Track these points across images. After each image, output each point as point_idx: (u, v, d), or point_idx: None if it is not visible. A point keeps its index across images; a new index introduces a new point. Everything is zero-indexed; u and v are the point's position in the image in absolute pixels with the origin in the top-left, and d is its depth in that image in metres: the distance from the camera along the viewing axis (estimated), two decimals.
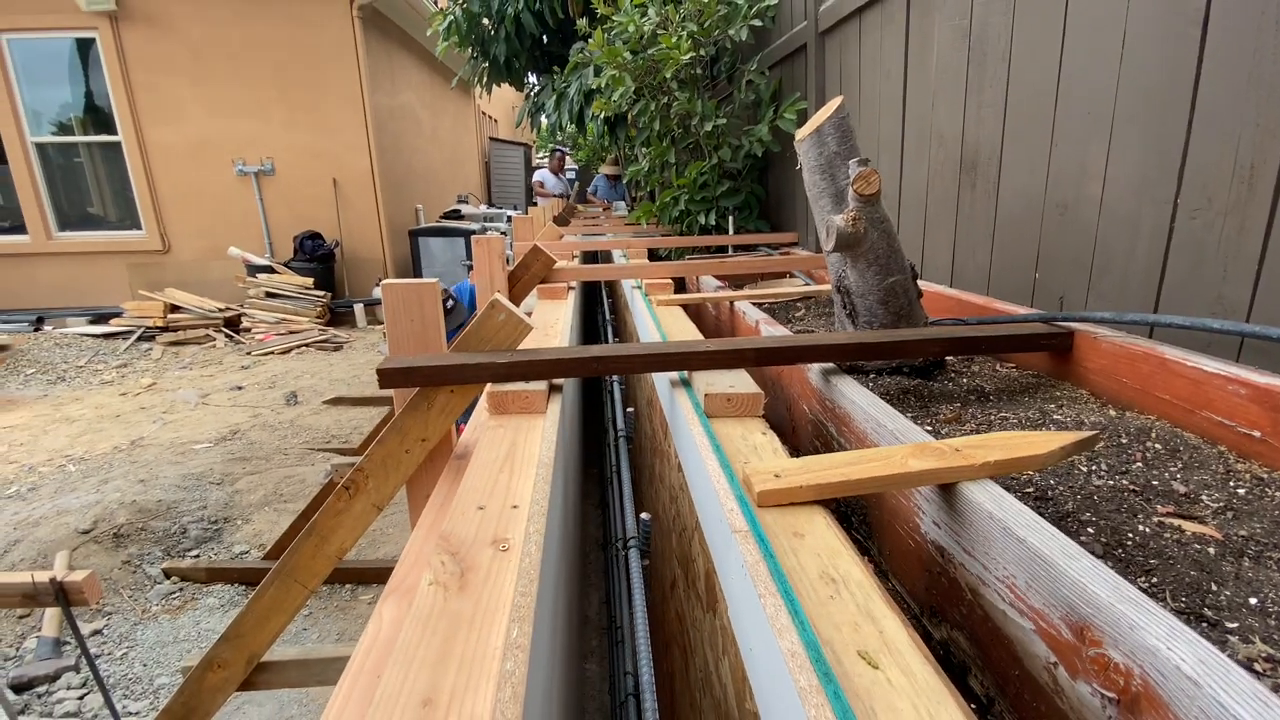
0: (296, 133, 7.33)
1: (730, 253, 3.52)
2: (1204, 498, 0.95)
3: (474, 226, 8.52)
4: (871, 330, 1.51)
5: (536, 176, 9.81)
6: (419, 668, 0.58)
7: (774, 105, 3.28)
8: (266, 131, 7.29)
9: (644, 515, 1.07)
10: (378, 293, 7.54)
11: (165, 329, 6.86)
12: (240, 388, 5.25)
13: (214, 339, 6.83)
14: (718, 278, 2.62)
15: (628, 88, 3.20)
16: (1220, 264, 1.18)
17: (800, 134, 1.57)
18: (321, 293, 7.26)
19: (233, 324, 7.08)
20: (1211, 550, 0.82)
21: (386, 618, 0.82)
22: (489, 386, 1.23)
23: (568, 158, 10.68)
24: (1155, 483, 1.00)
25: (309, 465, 3.67)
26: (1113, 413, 1.26)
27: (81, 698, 2.10)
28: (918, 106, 2.14)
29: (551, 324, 2.02)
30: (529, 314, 2.24)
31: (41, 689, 2.13)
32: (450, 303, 3.78)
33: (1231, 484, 0.98)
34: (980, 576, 0.82)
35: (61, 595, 1.68)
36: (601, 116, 3.93)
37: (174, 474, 3.34)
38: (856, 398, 1.21)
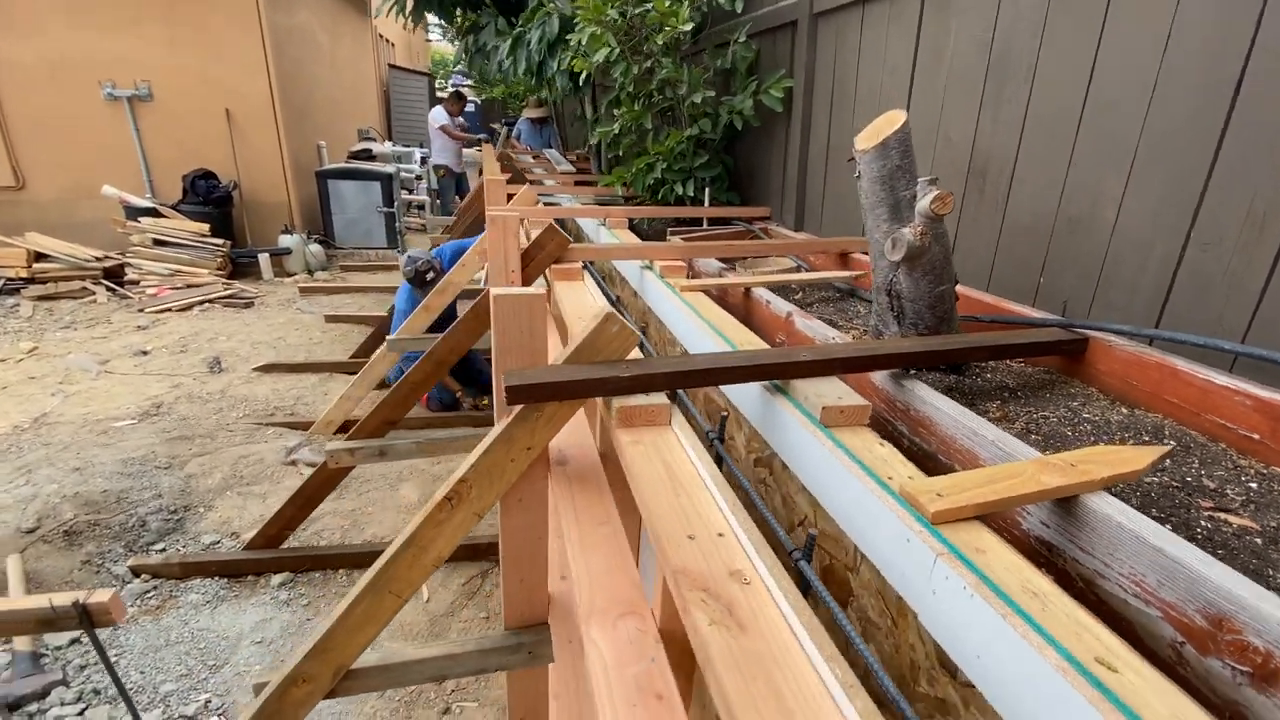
0: (180, 53, 6.36)
1: (705, 225, 3.58)
2: (1229, 492, 1.19)
3: (388, 168, 7.91)
4: (920, 335, 1.67)
5: (433, 116, 9.04)
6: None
7: (751, 77, 3.31)
8: (142, 50, 6.27)
9: (812, 530, 1.17)
10: (284, 241, 6.92)
11: (31, 280, 5.91)
12: (145, 352, 4.71)
13: (93, 293, 5.99)
14: (719, 258, 2.69)
15: (611, 49, 3.10)
16: (1224, 292, 1.42)
17: (862, 144, 1.65)
18: (220, 241, 6.52)
19: (114, 275, 6.23)
20: (1259, 540, 1.05)
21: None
22: (616, 401, 1.25)
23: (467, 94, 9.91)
24: (1189, 479, 1.22)
25: (262, 442, 3.43)
26: (1125, 411, 1.50)
27: (81, 713, 1.95)
28: (924, 107, 2.27)
29: (584, 313, 2.02)
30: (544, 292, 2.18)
31: (32, 708, 1.95)
32: (431, 274, 3.59)
33: (1243, 479, 1.22)
34: (1099, 571, 1.00)
35: (86, 618, 1.55)
36: (567, 71, 3.77)
37: (110, 458, 3.01)
38: (939, 404, 1.35)
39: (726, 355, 1.38)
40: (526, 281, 2.35)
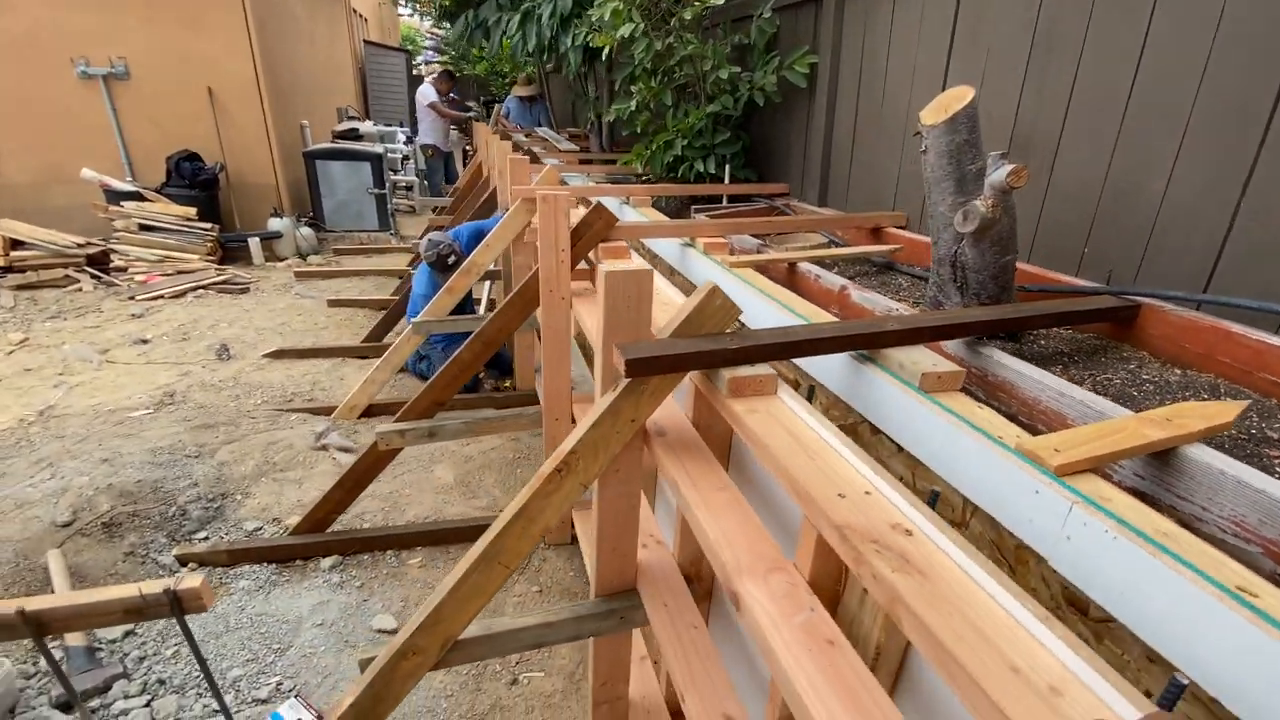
0: (157, 29, 6.10)
1: (724, 202, 3.61)
2: None
3: (376, 148, 7.73)
4: (982, 305, 1.74)
5: (421, 94, 8.89)
6: (981, 651, 0.72)
7: (771, 53, 3.32)
8: (117, 25, 6.00)
9: (935, 488, 1.23)
10: (274, 224, 6.77)
11: (8, 269, 5.69)
12: (146, 341, 4.59)
13: (77, 281, 5.79)
14: (753, 235, 2.73)
15: (636, 25, 3.08)
16: (1275, 260, 1.51)
17: (929, 119, 1.70)
18: (208, 225, 6.34)
19: (98, 262, 6.02)
20: None
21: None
22: (726, 372, 1.29)
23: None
24: (1253, 431, 1.32)
25: (288, 428, 3.40)
26: (1179, 372, 1.59)
27: (149, 704, 1.96)
28: (962, 82, 2.32)
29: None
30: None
31: (95, 703, 1.95)
32: (453, 258, 3.56)
33: None
34: (1196, 515, 1.09)
35: (177, 605, 1.56)
36: (582, 47, 3.73)
37: (136, 449, 2.96)
38: (1022, 368, 1.43)
39: (821, 327, 1.43)
40: (575, 261, 2.37)
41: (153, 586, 1.55)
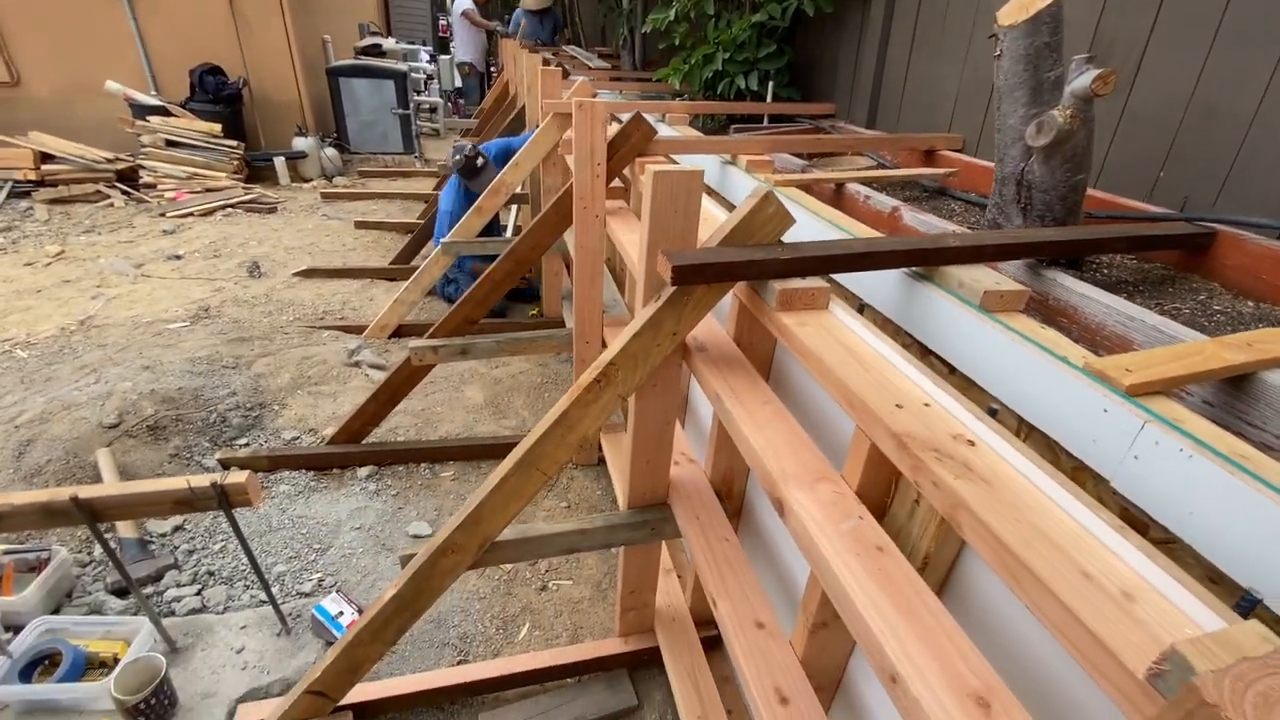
0: None
1: (765, 123, 3.44)
2: None
3: (400, 66, 7.49)
4: (1048, 226, 1.64)
5: (457, 4, 8.55)
6: (1051, 556, 0.70)
7: None
8: None
9: (993, 405, 1.19)
10: (299, 143, 6.67)
11: (41, 184, 5.71)
12: (179, 256, 4.63)
13: (108, 196, 5.80)
14: (796, 155, 2.60)
15: None
16: None
17: (1007, 19, 1.56)
18: (233, 142, 6.26)
19: (127, 178, 6.01)
20: None
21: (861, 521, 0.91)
22: (777, 284, 1.24)
23: None
24: None
25: (320, 345, 3.44)
26: (1251, 304, 1.50)
27: (199, 592, 2.06)
28: None
29: None
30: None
31: (147, 590, 2.06)
32: (480, 160, 3.47)
33: None
34: (1269, 444, 1.03)
35: (224, 498, 1.61)
36: None
37: (175, 358, 3.03)
38: (1088, 292, 1.35)
39: (877, 240, 1.36)
40: (611, 175, 2.28)
41: (200, 480, 1.59)
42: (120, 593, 2.06)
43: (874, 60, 2.94)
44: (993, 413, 1.14)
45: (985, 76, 2.45)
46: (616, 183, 2.66)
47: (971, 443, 0.88)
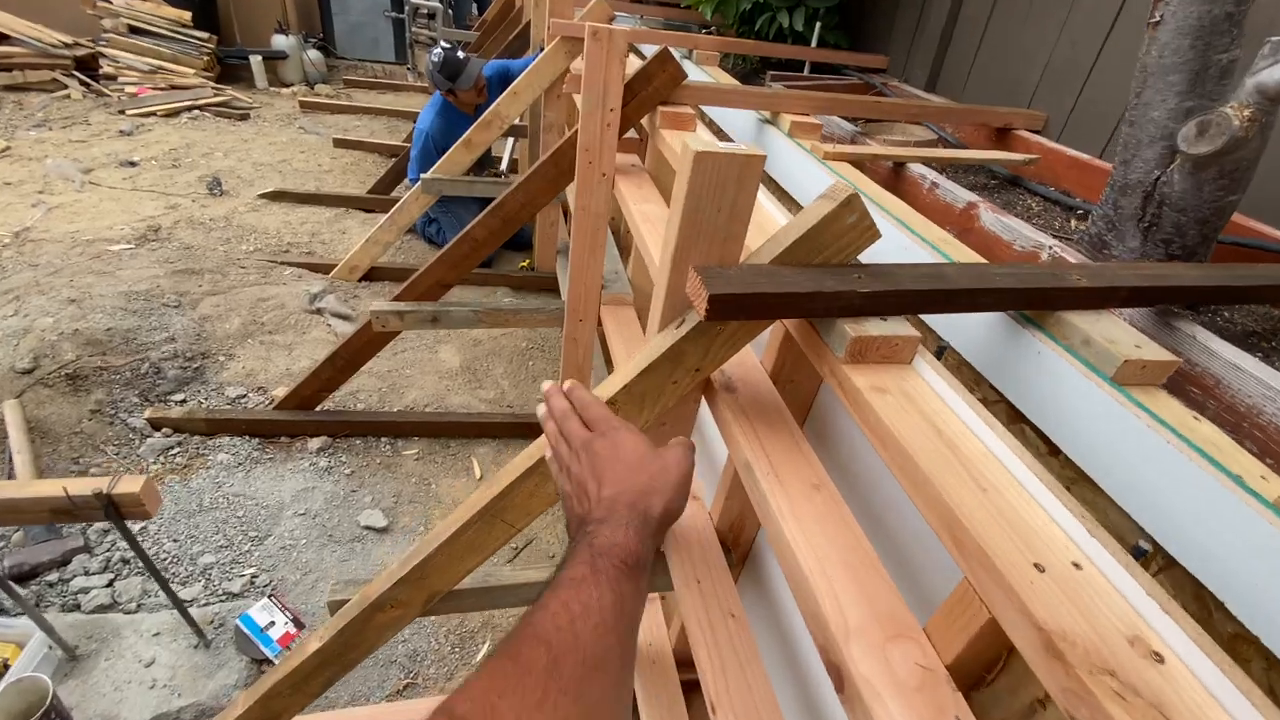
0: None
1: (806, 71, 2.97)
2: None
3: None
4: (1171, 259, 1.29)
5: None
6: None
7: None
8: None
9: (1142, 543, 0.87)
10: (279, 42, 6.01)
11: None
12: (134, 163, 4.14)
13: (65, 86, 5.20)
14: (844, 117, 2.18)
15: None
16: None
17: None
18: (204, 34, 5.60)
19: (87, 67, 5.39)
20: None
21: None
22: (850, 327, 0.89)
23: None
24: None
25: (280, 284, 3.05)
26: None
27: (110, 584, 1.77)
28: None
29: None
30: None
31: (52, 577, 1.76)
32: (461, 53, 3.00)
33: None
34: None
35: (112, 510, 1.29)
36: None
37: (109, 290, 2.64)
38: (1237, 359, 1.02)
39: (985, 271, 1.00)
40: (626, 125, 1.87)
41: (81, 486, 1.27)
42: (22, 578, 1.77)
43: (945, 12, 2.48)
44: (1140, 554, 0.82)
45: (1086, 49, 2.02)
46: (630, 133, 2.24)
47: (1160, 657, 0.57)
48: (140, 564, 1.83)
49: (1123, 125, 1.36)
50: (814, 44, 2.90)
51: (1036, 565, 0.63)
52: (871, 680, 0.68)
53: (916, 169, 1.81)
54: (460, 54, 3.11)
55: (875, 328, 0.90)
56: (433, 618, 1.88)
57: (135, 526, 1.93)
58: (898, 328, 0.91)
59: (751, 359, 1.16)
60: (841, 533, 0.85)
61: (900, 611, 0.76)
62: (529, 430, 2.53)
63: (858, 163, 1.80)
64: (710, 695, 1.10)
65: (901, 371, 0.90)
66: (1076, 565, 0.64)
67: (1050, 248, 1.39)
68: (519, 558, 2.13)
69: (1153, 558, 0.87)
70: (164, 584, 1.49)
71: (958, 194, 1.64)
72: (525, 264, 3.64)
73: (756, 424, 1.01)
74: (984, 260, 1.23)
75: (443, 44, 3.09)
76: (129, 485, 1.28)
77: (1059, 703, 0.56)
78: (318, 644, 1.25)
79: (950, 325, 1.15)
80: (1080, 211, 1.85)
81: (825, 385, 1.23)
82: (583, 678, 0.40)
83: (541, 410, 0.71)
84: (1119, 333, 0.96)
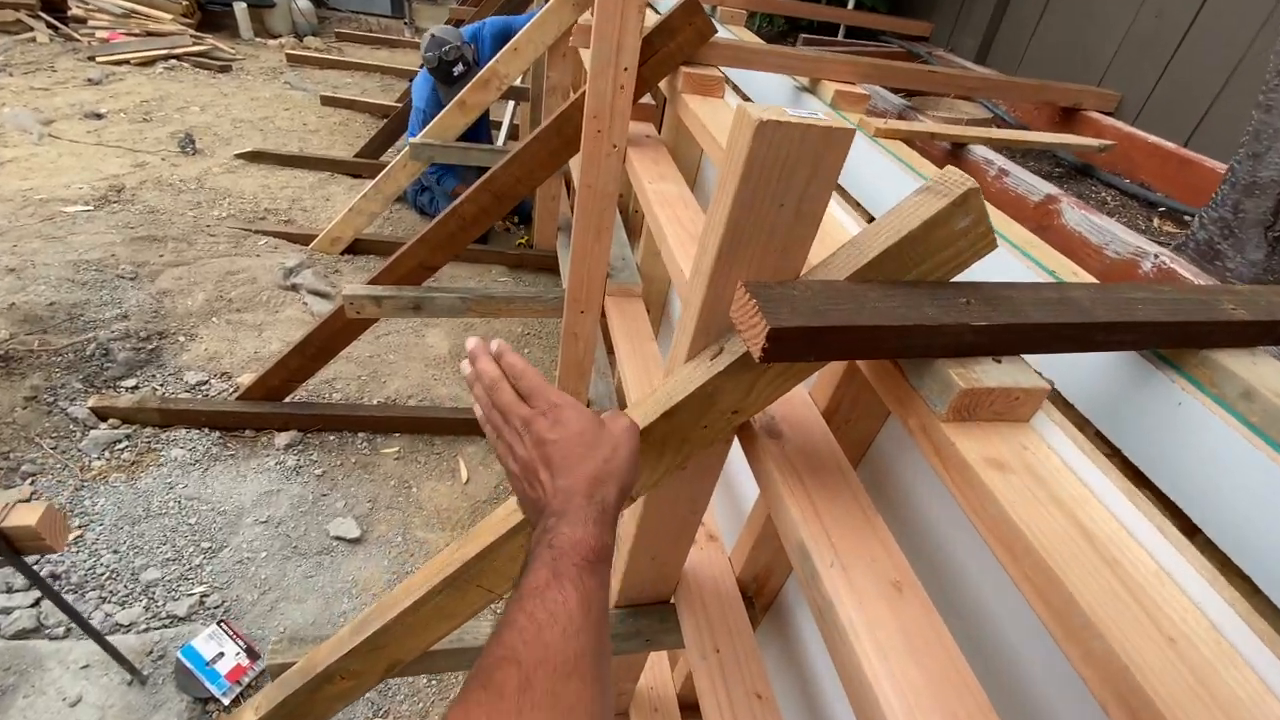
0: None
1: (841, 35, 2.68)
2: None
3: None
4: None
5: None
6: None
7: None
8: None
9: None
10: None
11: None
12: (100, 115, 3.81)
13: (30, 28, 4.82)
14: (892, 89, 1.90)
15: None
16: None
17: None
18: None
19: (55, 8, 5.00)
20: None
21: None
22: (956, 374, 0.65)
23: None
24: None
25: (253, 256, 2.78)
26: None
27: (35, 604, 1.55)
28: None
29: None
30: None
31: None
32: (460, 68, 2.71)
33: None
34: None
35: (6, 546, 1.05)
36: None
37: (56, 259, 2.37)
38: None
39: (1125, 297, 0.76)
40: (643, 88, 1.60)
41: None
42: None
43: None
44: None
45: (1175, 19, 1.75)
46: (645, 98, 1.96)
47: None
48: (72, 579, 1.61)
49: (1255, 112, 1.11)
50: (850, 6, 2.60)
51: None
52: None
53: (980, 151, 1.55)
54: (457, 69, 2.81)
55: (991, 375, 0.65)
56: None
57: (73, 534, 1.71)
58: (1019, 375, 0.67)
59: (801, 394, 0.92)
60: (936, 658, 0.62)
61: None
62: None
63: (909, 141, 1.54)
64: None
65: (1019, 433, 0.66)
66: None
67: (1155, 256, 1.13)
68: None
69: None
70: (83, 624, 1.26)
71: (1033, 184, 1.38)
72: (523, 240, 3.36)
73: (811, 487, 0.78)
74: (1083, 271, 0.99)
75: (443, 51, 2.78)
76: (24, 516, 1.04)
77: None
78: (255, 716, 1.03)
79: (1055, 358, 0.91)
80: (1164, 209, 1.60)
81: (887, 427, 1.00)
82: (556, 687, 0.41)
83: (466, 369, 0.64)
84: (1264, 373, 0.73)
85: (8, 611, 1.52)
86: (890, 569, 0.69)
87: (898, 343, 0.63)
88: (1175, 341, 0.76)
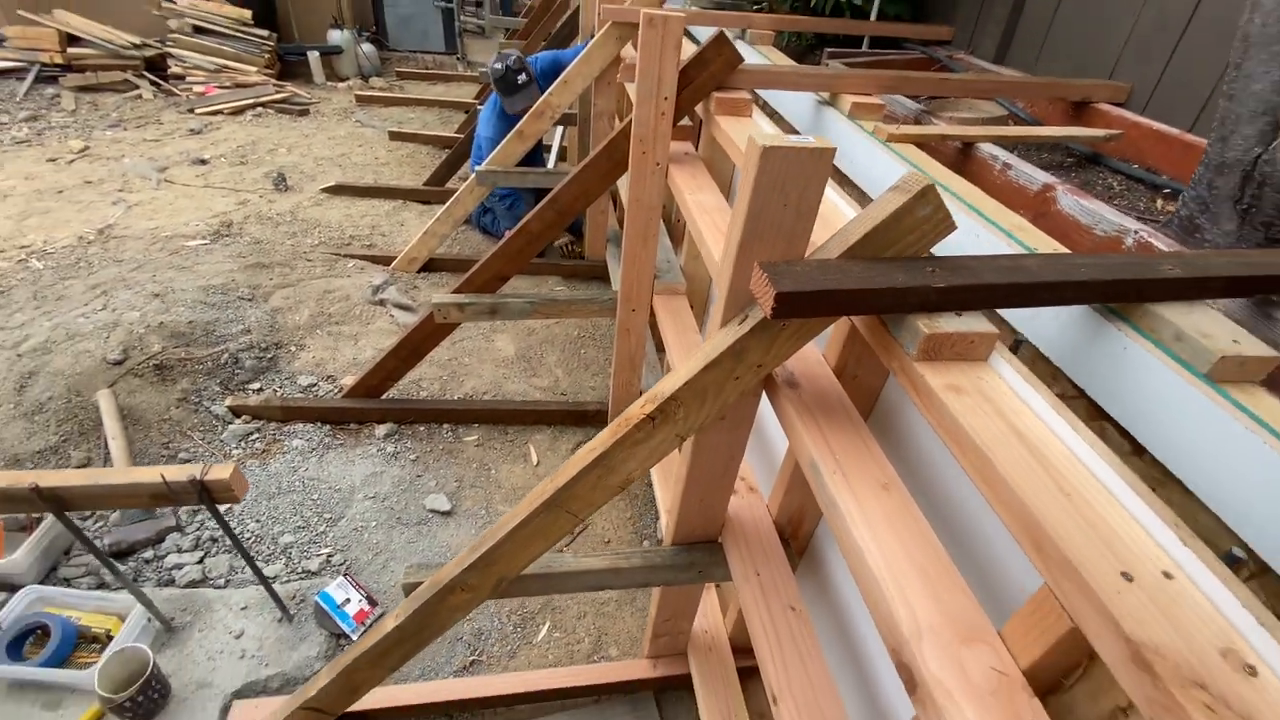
0: None
1: (865, 46, 2.87)
2: None
3: None
4: (1274, 239, 1.20)
5: None
6: None
7: None
8: None
9: (1236, 550, 0.84)
10: (335, 37, 6.17)
11: (68, 69, 5.41)
12: (205, 161, 4.34)
13: (136, 86, 5.48)
14: (909, 95, 2.09)
15: None
16: None
17: None
18: (264, 32, 5.80)
19: (156, 67, 5.66)
20: None
21: None
22: (923, 324, 0.87)
23: None
24: None
25: (344, 276, 3.17)
26: None
27: (201, 560, 1.91)
28: None
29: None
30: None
31: (148, 554, 1.91)
32: (523, 76, 3.02)
33: None
34: None
35: (205, 495, 1.38)
36: None
37: (189, 285, 2.80)
38: None
39: (1068, 262, 0.96)
40: (681, 113, 1.85)
41: (178, 473, 1.36)
42: (120, 554, 1.92)
43: None
44: (1232, 560, 0.78)
45: (1176, 14, 1.88)
46: (684, 120, 2.22)
47: (1253, 670, 0.55)
48: (228, 542, 1.96)
49: (1219, 99, 1.27)
50: (873, 17, 2.79)
51: (1124, 574, 0.61)
52: (944, 682, 0.67)
53: (986, 148, 1.74)
54: (520, 77, 3.10)
55: (950, 324, 0.87)
56: (496, 600, 1.94)
57: (226, 505, 2.07)
58: (974, 323, 0.88)
59: (814, 354, 1.14)
60: (912, 533, 0.84)
61: (974, 615, 0.75)
62: (582, 418, 2.57)
63: (922, 143, 1.73)
64: (772, 687, 1.12)
65: (977, 369, 0.88)
66: (1167, 574, 0.62)
67: (1135, 232, 1.32)
68: (575, 542, 2.18)
69: (1246, 565, 0.83)
70: (252, 563, 1.59)
71: (1032, 175, 1.57)
72: (578, 250, 3.66)
73: (821, 421, 1.01)
74: (1064, 249, 1.18)
75: (509, 61, 3.09)
76: (220, 472, 1.37)
77: (1145, 714, 0.55)
78: (395, 623, 1.32)
79: (1027, 318, 1.11)
80: (1168, 191, 1.74)
81: (892, 380, 1.21)
82: None
83: None
84: (1214, 326, 0.91)
85: (179, 567, 1.88)
86: (879, 475, 0.91)
87: (874, 301, 0.86)
88: (1113, 296, 0.96)
